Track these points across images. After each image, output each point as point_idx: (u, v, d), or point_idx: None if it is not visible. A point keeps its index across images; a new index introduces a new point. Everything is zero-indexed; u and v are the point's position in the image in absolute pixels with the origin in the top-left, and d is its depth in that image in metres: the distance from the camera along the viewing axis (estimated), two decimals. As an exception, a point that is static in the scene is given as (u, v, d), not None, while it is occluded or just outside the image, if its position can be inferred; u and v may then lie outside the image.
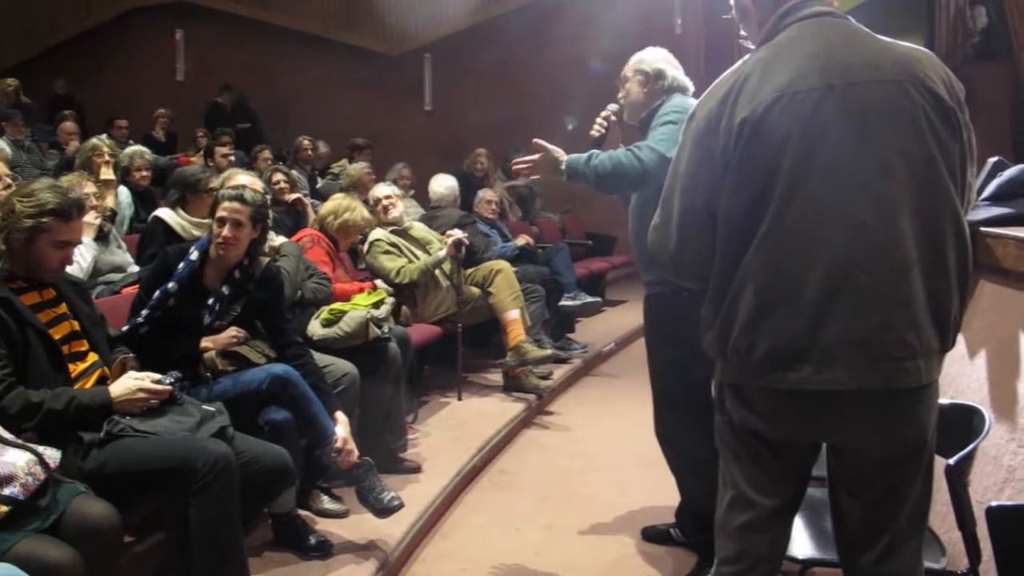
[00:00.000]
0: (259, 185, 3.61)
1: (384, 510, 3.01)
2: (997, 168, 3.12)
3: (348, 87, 9.69)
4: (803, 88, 1.73)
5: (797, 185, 1.71)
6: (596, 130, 3.06)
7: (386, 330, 3.84)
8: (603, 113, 3.09)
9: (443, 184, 6.00)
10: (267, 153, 6.85)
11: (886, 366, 1.71)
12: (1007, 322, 2.58)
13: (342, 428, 3.00)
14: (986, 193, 2.88)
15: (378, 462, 3.18)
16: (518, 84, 9.69)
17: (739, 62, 1.87)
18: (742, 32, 2.01)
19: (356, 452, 3.02)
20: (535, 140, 2.97)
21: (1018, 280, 2.56)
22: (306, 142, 7.41)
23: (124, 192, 5.11)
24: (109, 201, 4.58)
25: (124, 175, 5.23)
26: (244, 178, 3.64)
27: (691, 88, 3.03)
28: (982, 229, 2.68)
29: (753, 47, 1.94)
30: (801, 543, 2.19)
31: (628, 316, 7.84)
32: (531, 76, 9.68)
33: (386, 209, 5.02)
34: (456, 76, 9.95)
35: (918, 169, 1.71)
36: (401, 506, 3.05)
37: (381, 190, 5.17)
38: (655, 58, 3.05)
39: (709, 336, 1.88)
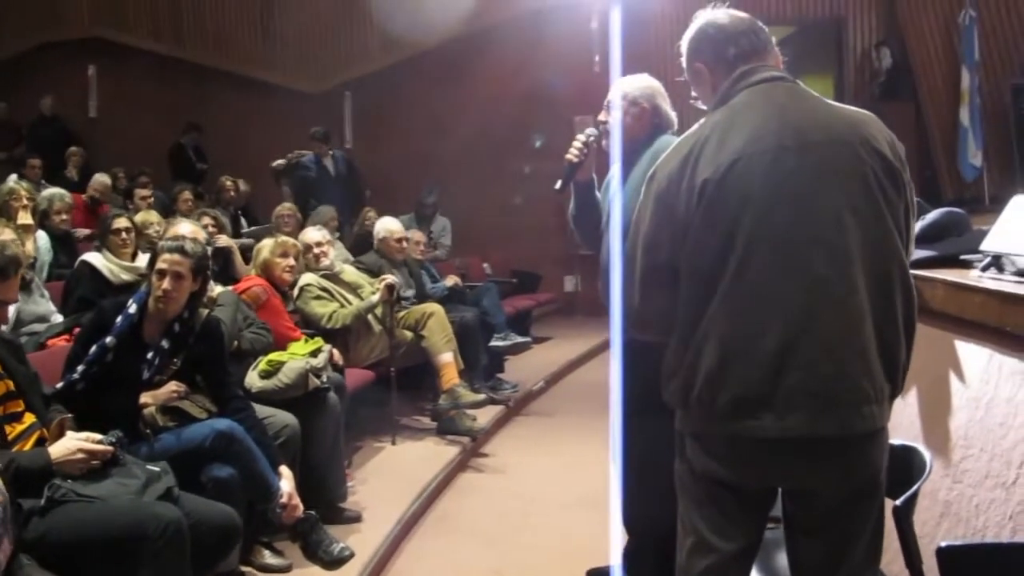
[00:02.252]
0: (201, 235, 3.54)
1: (335, 561, 2.97)
2: (918, 211, 3.28)
3: (268, 124, 9.56)
4: (759, 149, 1.81)
5: (756, 241, 1.79)
6: (574, 155, 2.91)
7: (325, 379, 3.80)
8: (581, 138, 2.93)
9: (385, 227, 5.95)
10: (187, 194, 6.68)
11: (843, 413, 1.78)
12: (937, 362, 2.70)
13: (287, 483, 2.95)
14: (910, 235, 3.02)
15: (319, 512, 3.13)
16: (439, 121, 9.73)
17: (696, 125, 1.94)
18: (693, 93, 2.09)
19: (301, 507, 2.97)
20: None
21: (946, 321, 2.69)
22: (228, 182, 7.27)
23: (43, 237, 4.94)
24: (29, 247, 4.42)
25: (43, 219, 5.06)
26: (186, 227, 3.57)
27: (675, 125, 2.97)
28: (911, 271, 2.81)
29: (705, 108, 2.03)
30: (755, 584, 2.24)
31: (555, 353, 7.91)
32: (452, 113, 9.73)
33: (318, 257, 4.98)
34: (377, 113, 9.94)
35: (868, 225, 1.80)
36: (352, 555, 3.02)
37: (312, 236, 5.10)
38: (651, 92, 2.96)
39: (672, 386, 1.94)
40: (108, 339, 2.84)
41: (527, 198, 9.47)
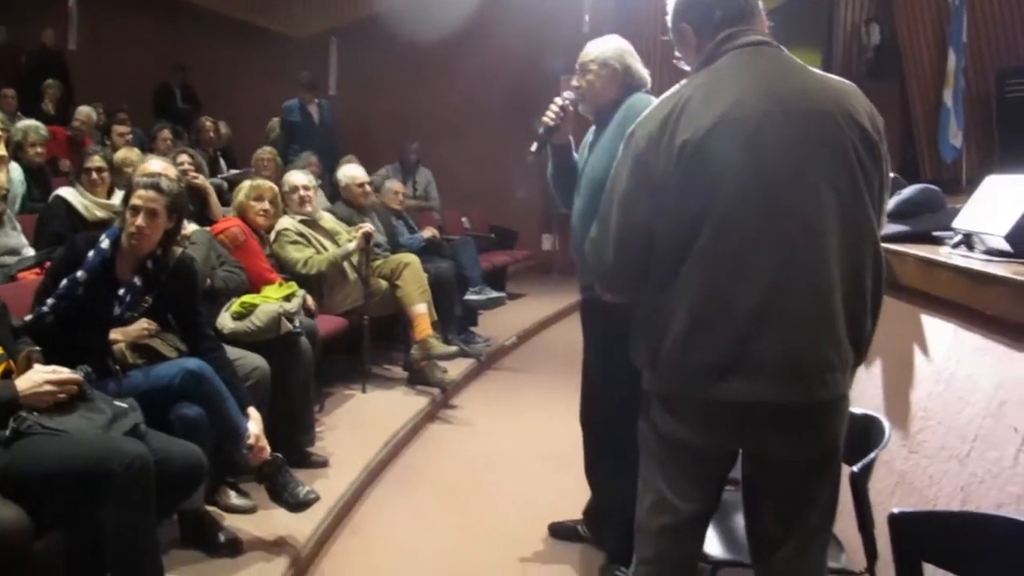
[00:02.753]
0: (172, 172, 3.50)
1: (300, 504, 2.99)
2: (893, 186, 3.31)
3: (253, 69, 9.42)
4: (742, 115, 1.80)
5: (734, 206, 1.79)
6: (550, 118, 2.93)
7: (297, 324, 3.80)
8: (558, 101, 2.95)
9: (347, 173, 5.93)
10: (166, 133, 6.60)
11: (809, 381, 1.81)
12: (903, 335, 2.74)
13: (254, 425, 2.95)
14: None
15: (287, 456, 3.14)
16: (425, 74, 9.64)
17: (678, 85, 1.93)
18: (676, 54, 2.07)
19: (268, 449, 2.98)
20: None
21: (915, 296, 2.73)
22: (208, 123, 7.18)
23: (16, 169, 4.86)
24: (1, 179, 4.35)
25: (16, 151, 4.97)
26: (157, 164, 3.53)
27: (649, 83, 2.99)
28: (882, 245, 2.84)
29: (688, 68, 2.02)
30: (712, 544, 2.29)
31: (529, 310, 7.96)
32: (438, 67, 9.64)
33: (303, 201, 4.95)
34: (363, 62, 9.82)
35: (844, 196, 1.81)
36: (317, 498, 3.05)
37: (298, 178, 5.06)
38: (622, 52, 2.98)
39: (639, 347, 1.96)
40: (79, 273, 2.81)
41: (510, 156, 9.44)
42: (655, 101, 1.97)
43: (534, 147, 2.96)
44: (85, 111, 7.11)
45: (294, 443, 3.73)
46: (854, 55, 7.99)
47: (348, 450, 4.10)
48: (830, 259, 1.80)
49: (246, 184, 4.53)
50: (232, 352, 3.28)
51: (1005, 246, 2.43)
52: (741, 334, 1.79)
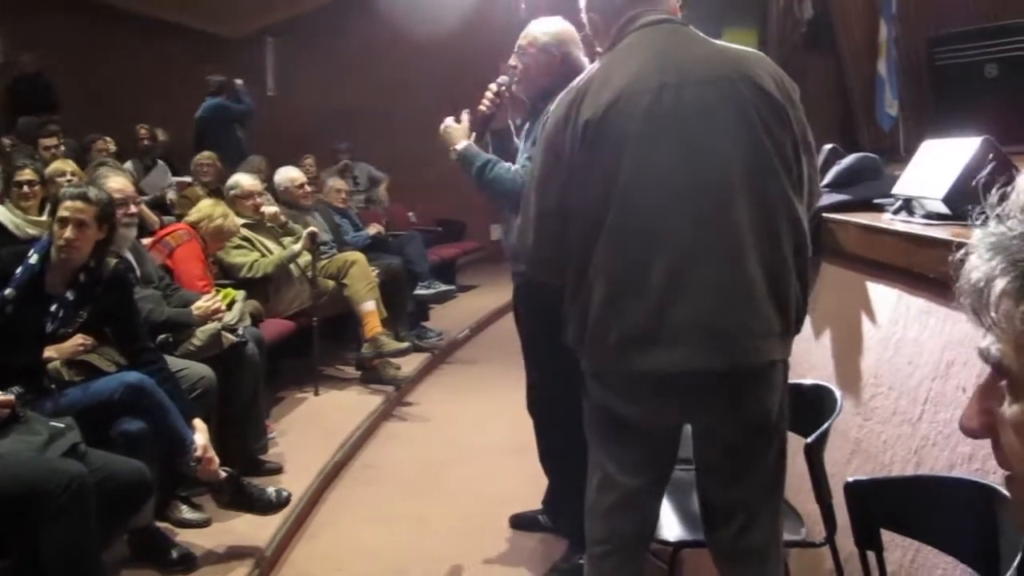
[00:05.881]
0: (130, 188, 3.41)
1: (275, 505, 2.98)
2: (833, 155, 3.32)
3: (182, 72, 9.17)
4: (640, 89, 1.83)
5: (638, 181, 1.81)
6: (485, 106, 2.92)
7: (241, 332, 3.69)
8: (492, 87, 2.93)
9: (285, 176, 5.82)
10: (102, 143, 6.33)
11: (727, 347, 1.82)
12: (850, 303, 2.75)
13: (201, 436, 2.88)
14: (825, 180, 3.06)
15: (240, 465, 3.09)
16: (365, 69, 9.52)
17: (588, 68, 1.97)
18: (598, 48, 2.10)
19: (216, 460, 2.90)
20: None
21: (859, 264, 2.75)
22: (144, 130, 6.98)
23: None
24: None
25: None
26: (117, 181, 3.44)
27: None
28: (824, 215, 2.86)
29: None
30: (671, 525, 2.28)
31: (480, 301, 7.91)
32: (378, 61, 9.52)
33: (257, 208, 4.86)
34: (300, 61, 9.66)
35: (749, 161, 1.82)
36: (289, 495, 3.01)
37: (249, 182, 4.96)
38: (562, 39, 2.87)
39: (569, 329, 1.98)
40: (7, 291, 2.70)
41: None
42: None
43: (472, 135, 2.92)
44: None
45: (246, 451, 3.65)
46: (788, 30, 8.04)
47: (303, 454, 4.02)
48: (741, 222, 1.80)
49: (211, 206, 4.43)
50: (176, 363, 3.20)
51: (943, 208, 2.45)
52: (657, 303, 1.81)
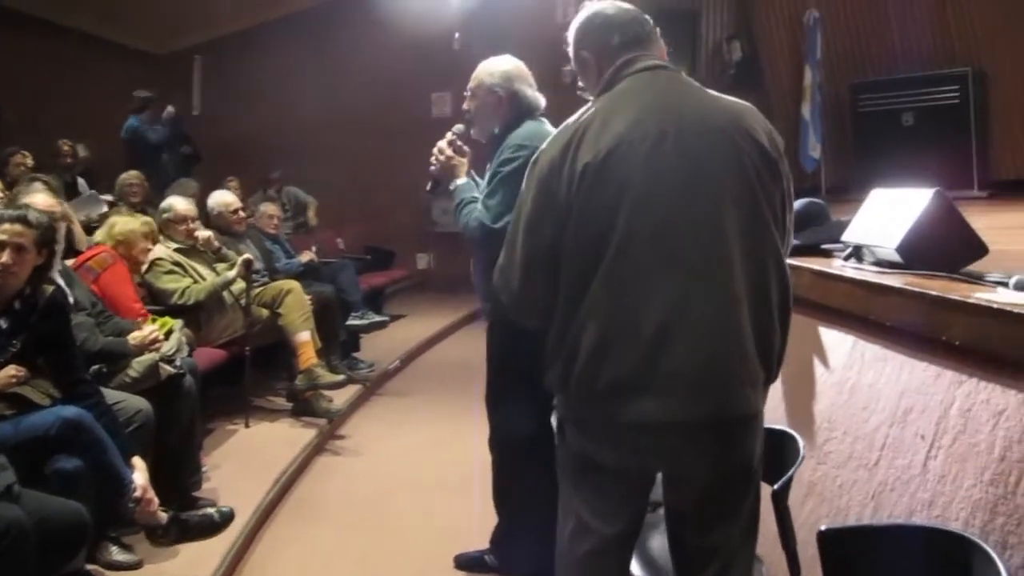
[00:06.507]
0: (58, 207, 3.26)
1: (220, 525, 2.89)
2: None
3: (107, 88, 8.87)
4: (640, 135, 1.83)
5: (635, 226, 1.80)
6: (432, 164, 2.95)
7: (178, 363, 3.56)
8: (448, 137, 2.95)
9: (219, 201, 5.69)
10: (20, 157, 6.08)
11: (717, 397, 1.82)
12: (803, 347, 2.80)
13: (140, 475, 2.76)
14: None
15: (174, 502, 2.96)
16: (293, 92, 9.39)
17: (579, 111, 1.96)
18: (580, 84, 2.10)
19: (156, 501, 2.79)
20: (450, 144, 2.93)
21: (811, 308, 2.80)
22: (65, 146, 6.74)
23: None
24: None
25: None
26: (42, 198, 3.28)
27: (542, 106, 2.96)
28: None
29: (591, 98, 2.03)
30: (635, 569, 2.26)
31: (410, 331, 7.83)
32: (307, 85, 9.41)
33: (190, 233, 4.72)
34: (228, 80, 9.47)
35: (744, 212, 1.84)
36: (232, 511, 3.09)
37: (183, 205, 4.81)
38: (509, 78, 2.92)
39: (552, 372, 1.94)
40: (-65, 318, 2.55)
41: (382, 175, 9.32)
42: (544, 128, 1.97)
43: (428, 186, 2.95)
44: None
45: (180, 487, 3.50)
46: (716, 72, 8.25)
47: (236, 490, 3.87)
48: (733, 273, 1.82)
49: (132, 220, 4.28)
50: (112, 395, 3.06)
51: (896, 258, 2.52)
52: (649, 352, 1.80)
